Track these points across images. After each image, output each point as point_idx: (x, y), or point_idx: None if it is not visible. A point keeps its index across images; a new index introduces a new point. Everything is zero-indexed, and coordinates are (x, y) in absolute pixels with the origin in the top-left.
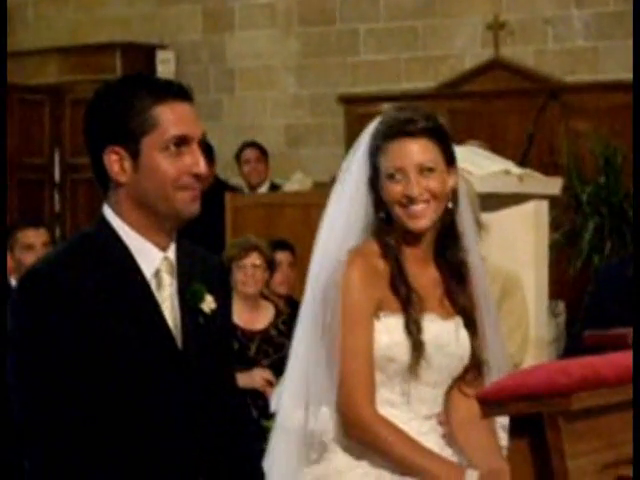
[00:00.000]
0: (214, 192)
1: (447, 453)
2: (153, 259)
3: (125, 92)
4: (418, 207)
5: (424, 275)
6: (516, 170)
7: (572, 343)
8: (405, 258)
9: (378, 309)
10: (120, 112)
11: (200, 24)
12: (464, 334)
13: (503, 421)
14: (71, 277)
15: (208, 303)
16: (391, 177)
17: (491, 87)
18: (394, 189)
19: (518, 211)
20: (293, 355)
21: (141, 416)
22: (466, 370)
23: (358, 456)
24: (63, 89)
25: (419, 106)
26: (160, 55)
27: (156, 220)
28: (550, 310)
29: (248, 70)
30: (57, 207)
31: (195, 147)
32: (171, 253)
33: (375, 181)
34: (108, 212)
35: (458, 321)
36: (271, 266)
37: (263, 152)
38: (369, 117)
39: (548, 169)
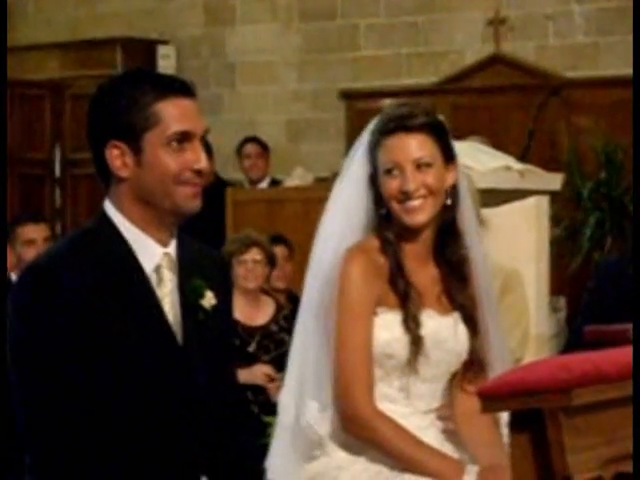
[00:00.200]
0: (214, 188)
1: (447, 448)
2: (154, 255)
3: (128, 87)
4: (415, 202)
5: (423, 272)
6: (517, 166)
7: (573, 339)
8: (404, 254)
9: (377, 305)
10: (123, 107)
11: (201, 19)
12: (462, 329)
13: (507, 418)
14: (71, 273)
15: (208, 299)
16: (388, 172)
17: (492, 83)
18: (391, 184)
19: (519, 207)
20: (293, 351)
21: (141, 412)
22: (467, 367)
23: (357, 452)
24: (64, 84)
25: (420, 102)
26: (161, 50)
27: (157, 215)
28: (551, 305)
29: (249, 65)
30: (58, 202)
31: (197, 143)
32: (172, 249)
33: (375, 177)
34: (109, 207)
35: (456, 317)
36: (272, 261)
37: (264, 147)
38: (370, 112)
39: (549, 164)
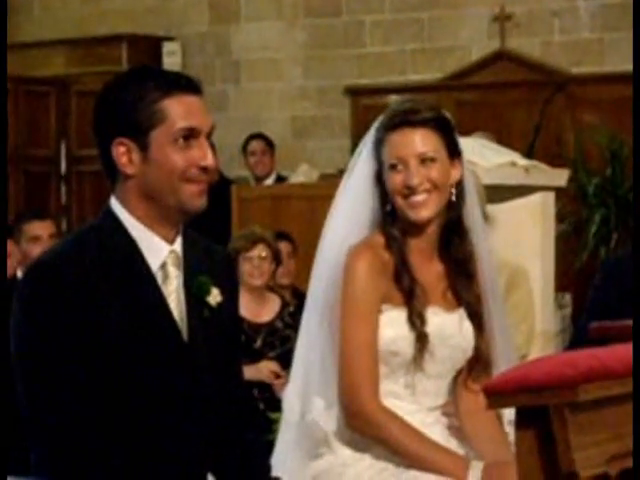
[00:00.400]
0: (218, 186)
1: (452, 444)
2: (159, 252)
3: (134, 84)
4: (419, 197)
5: (428, 268)
6: (522, 162)
7: (578, 335)
8: (409, 250)
9: (382, 302)
10: (129, 104)
11: (206, 16)
12: (468, 326)
13: (510, 416)
14: (77, 269)
15: (214, 296)
16: (393, 167)
17: (497, 79)
18: (395, 179)
19: (524, 203)
20: (298, 348)
21: (146, 409)
22: (472, 364)
23: (363, 449)
24: (69, 81)
25: (425, 98)
26: (166, 47)
27: (162, 213)
28: (556, 302)
29: (254, 62)
30: (63, 199)
31: (203, 140)
32: (177, 246)
33: (381, 174)
34: (115, 204)
35: (462, 313)
36: (277, 258)
37: (269, 144)
38: (375, 109)
39: (554, 161)
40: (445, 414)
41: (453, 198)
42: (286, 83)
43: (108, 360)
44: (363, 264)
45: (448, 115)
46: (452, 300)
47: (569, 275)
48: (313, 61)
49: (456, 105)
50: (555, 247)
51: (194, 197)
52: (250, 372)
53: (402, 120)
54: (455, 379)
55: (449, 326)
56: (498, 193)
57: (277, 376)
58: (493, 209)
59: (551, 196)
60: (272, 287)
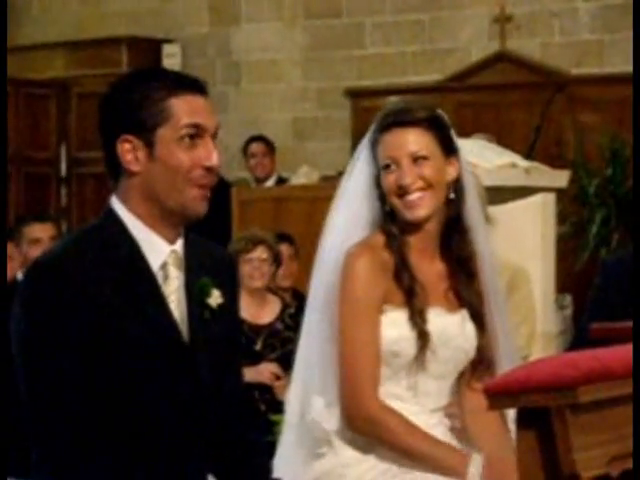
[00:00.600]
0: (219, 187)
1: (455, 446)
2: (160, 252)
3: (141, 83)
4: (413, 196)
5: (429, 268)
6: (523, 163)
7: (579, 336)
8: (408, 250)
9: (384, 302)
10: (135, 102)
11: (206, 17)
12: (470, 327)
13: (513, 414)
14: (78, 268)
15: (215, 298)
16: (386, 168)
17: (497, 80)
18: (389, 179)
19: (525, 204)
20: (299, 349)
21: (146, 409)
22: (475, 365)
23: (364, 448)
24: (69, 83)
25: (425, 100)
26: (166, 49)
27: (163, 214)
28: (557, 303)
29: (254, 63)
30: (63, 201)
31: (209, 140)
32: (179, 246)
33: (379, 175)
34: (116, 203)
35: (464, 314)
36: (277, 260)
37: (269, 146)
38: (376, 110)
39: (555, 162)
40: (448, 415)
41: (451, 196)
42: (286, 85)
43: (108, 360)
44: (362, 263)
45: (442, 113)
46: (454, 301)
47: (570, 276)
48: (313, 63)
49: (456, 106)
50: (556, 248)
51: (196, 201)
52: (250, 374)
53: (394, 121)
54: (458, 380)
55: (451, 327)
56: (499, 194)
57: (277, 378)
58: (494, 210)
59: (551, 197)
60: (272, 289)
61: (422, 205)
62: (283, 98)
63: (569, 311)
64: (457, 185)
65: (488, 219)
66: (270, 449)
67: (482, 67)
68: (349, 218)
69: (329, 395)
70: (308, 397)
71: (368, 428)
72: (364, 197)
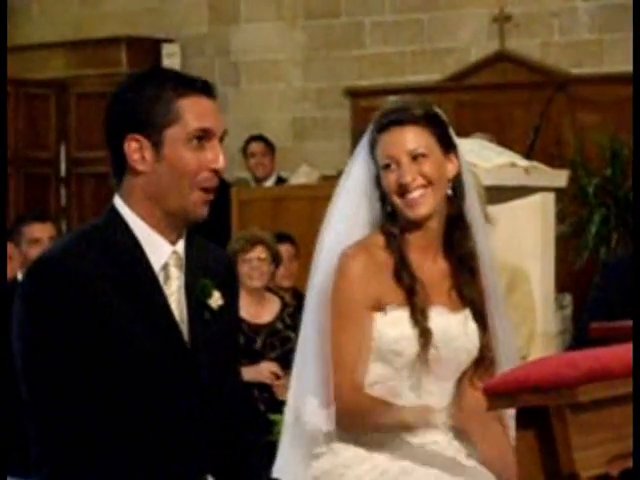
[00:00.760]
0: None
1: (455, 446)
2: (162, 252)
3: (151, 84)
4: (414, 194)
5: (432, 267)
6: (522, 162)
7: (578, 335)
8: (409, 249)
9: (383, 302)
10: (145, 102)
11: (205, 17)
12: (473, 327)
13: (511, 411)
14: (79, 266)
15: (215, 299)
16: (386, 167)
17: (497, 80)
18: (389, 178)
19: (524, 204)
20: (297, 349)
21: (146, 409)
22: (477, 364)
23: (364, 450)
24: (69, 83)
25: (416, 98)
26: (166, 49)
27: (165, 215)
28: (556, 303)
29: (254, 63)
30: (63, 201)
31: (216, 143)
32: (180, 247)
33: (379, 176)
34: (119, 203)
35: (467, 314)
36: (276, 259)
37: (269, 145)
38: (375, 110)
39: (554, 161)
40: (449, 415)
41: (449, 192)
42: (286, 84)
43: (109, 359)
44: (356, 264)
45: (439, 111)
46: (457, 300)
47: (569, 276)
48: (313, 62)
49: (456, 106)
50: (555, 248)
51: (199, 205)
52: (250, 373)
53: (391, 120)
54: (459, 379)
55: (453, 327)
56: (498, 194)
57: (277, 377)
58: (493, 210)
59: (551, 197)
60: (271, 288)
61: (423, 203)
62: (283, 98)
63: (568, 311)
64: (457, 182)
65: (487, 219)
66: (270, 449)
67: (481, 67)
68: (347, 219)
69: (322, 395)
70: (304, 397)
71: (349, 419)
72: (363, 197)
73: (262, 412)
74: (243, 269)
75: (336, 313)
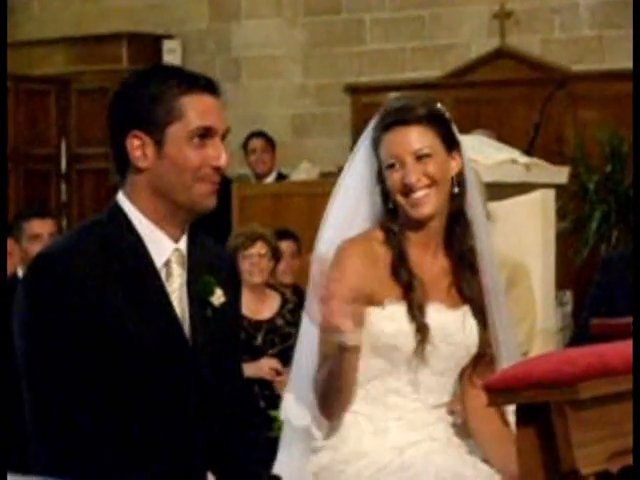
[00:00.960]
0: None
1: (455, 443)
2: (164, 249)
3: (154, 80)
4: (419, 194)
5: (432, 264)
6: (523, 159)
7: (579, 332)
8: (409, 245)
9: (379, 296)
10: (147, 99)
11: (206, 13)
12: (472, 323)
13: (512, 406)
14: (82, 261)
15: (217, 297)
16: (391, 166)
17: (497, 76)
18: (394, 178)
19: (525, 200)
20: (297, 345)
21: (147, 406)
22: (476, 361)
23: (363, 446)
24: (69, 79)
25: (418, 94)
26: (166, 45)
27: (171, 210)
28: (557, 299)
29: (254, 60)
30: (64, 197)
31: (218, 140)
32: (182, 244)
33: (381, 172)
34: (122, 199)
35: (465, 310)
36: (276, 255)
37: (269, 142)
38: (375, 106)
39: (555, 158)
40: (450, 411)
41: (455, 190)
42: (286, 81)
43: (110, 355)
44: (349, 257)
45: (442, 109)
46: (456, 297)
47: (570, 272)
48: (313, 59)
49: (456, 103)
50: (555, 244)
51: (205, 197)
52: (251, 369)
53: (396, 119)
54: (460, 376)
55: (452, 323)
56: (498, 190)
57: (278, 373)
58: (494, 207)
59: (551, 193)
60: (272, 284)
61: (427, 203)
62: (283, 94)
63: (569, 307)
64: (460, 179)
65: (488, 215)
66: (271, 445)
67: (482, 63)
68: (346, 215)
69: (299, 391)
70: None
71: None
72: (362, 194)
73: (263, 408)
74: (243, 265)
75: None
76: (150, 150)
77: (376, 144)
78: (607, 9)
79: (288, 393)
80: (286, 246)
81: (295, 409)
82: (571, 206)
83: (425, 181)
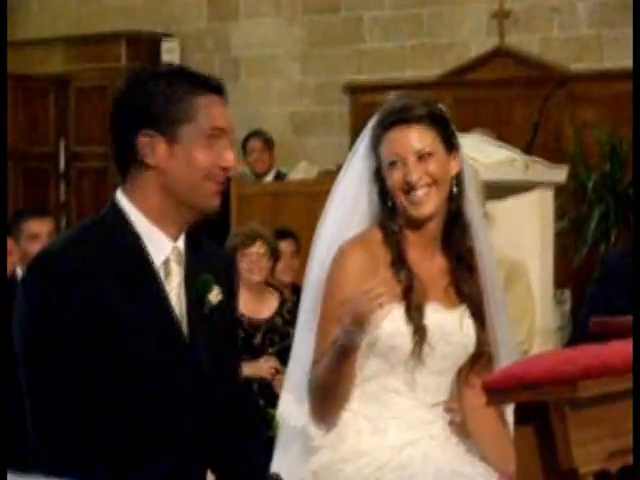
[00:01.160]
0: None
1: (453, 441)
2: (163, 248)
3: (166, 80)
4: (420, 192)
5: (430, 264)
6: (522, 158)
7: (578, 331)
8: (408, 245)
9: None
10: (160, 98)
11: (205, 13)
12: (469, 323)
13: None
14: (80, 261)
15: (215, 295)
16: (392, 165)
17: (496, 75)
18: (395, 176)
19: (524, 199)
20: (294, 345)
21: (146, 404)
22: (474, 360)
23: (362, 445)
24: (68, 78)
25: (419, 94)
26: (165, 44)
27: (175, 208)
28: (556, 298)
29: (253, 59)
30: (62, 196)
31: (227, 141)
32: (181, 243)
33: (379, 171)
34: (122, 198)
35: (463, 310)
36: (275, 254)
37: (268, 141)
38: (374, 105)
39: (553, 157)
40: (447, 410)
41: (454, 190)
42: (285, 80)
43: (108, 354)
44: (350, 260)
45: (443, 108)
46: (454, 297)
47: (568, 271)
48: (312, 58)
49: (455, 102)
50: (554, 243)
51: (212, 196)
52: (250, 368)
53: (397, 118)
54: (458, 375)
55: (449, 323)
56: (497, 190)
57: (277, 372)
58: (492, 206)
59: (550, 192)
60: (271, 283)
61: (428, 202)
62: (282, 93)
63: (568, 306)
64: (459, 179)
65: (486, 215)
66: (270, 444)
67: (481, 62)
68: (345, 213)
69: (297, 390)
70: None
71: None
72: (361, 193)
73: (262, 407)
74: (242, 264)
75: (324, 307)
76: (160, 148)
77: (376, 143)
78: (606, 8)
79: (285, 393)
80: (285, 245)
81: (292, 408)
82: (570, 205)
83: (426, 180)
